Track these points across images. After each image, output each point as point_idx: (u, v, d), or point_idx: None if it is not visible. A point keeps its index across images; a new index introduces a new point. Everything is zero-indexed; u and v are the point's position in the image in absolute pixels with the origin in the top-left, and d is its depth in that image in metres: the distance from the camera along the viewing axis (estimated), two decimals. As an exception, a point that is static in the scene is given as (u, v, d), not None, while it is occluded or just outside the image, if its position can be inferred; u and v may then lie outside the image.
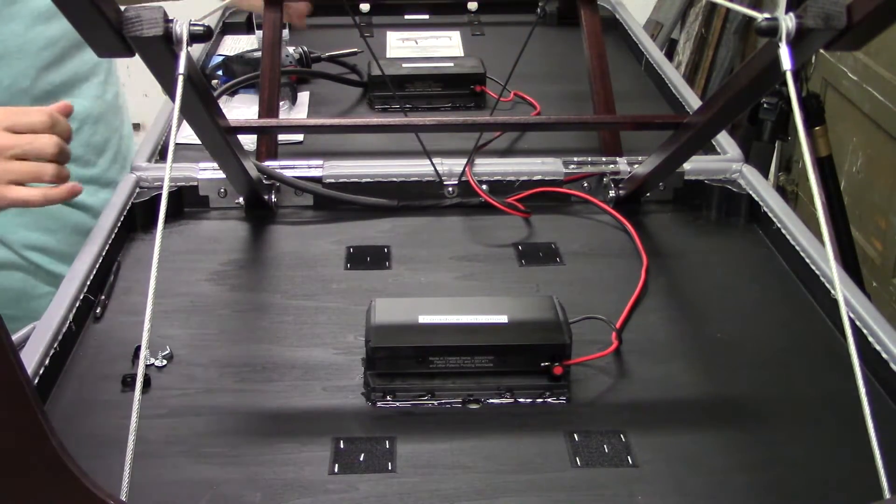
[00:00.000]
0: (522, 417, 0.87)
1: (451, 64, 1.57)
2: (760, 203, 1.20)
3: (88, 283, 1.01)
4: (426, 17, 1.92)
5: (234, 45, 1.77)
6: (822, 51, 0.80)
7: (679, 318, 1.04)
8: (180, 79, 0.75)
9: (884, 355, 0.91)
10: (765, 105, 2.07)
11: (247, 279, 1.10)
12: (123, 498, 0.60)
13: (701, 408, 0.89)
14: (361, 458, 0.81)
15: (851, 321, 0.86)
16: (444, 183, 1.23)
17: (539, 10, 1.86)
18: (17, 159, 1.04)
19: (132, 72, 3.16)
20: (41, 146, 1.05)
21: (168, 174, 0.75)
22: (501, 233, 1.19)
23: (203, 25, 0.77)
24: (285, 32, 1.65)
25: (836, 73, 2.48)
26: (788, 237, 1.12)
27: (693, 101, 1.44)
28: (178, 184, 1.21)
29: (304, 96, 1.55)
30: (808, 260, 1.07)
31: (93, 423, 0.85)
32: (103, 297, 1.02)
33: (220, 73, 1.58)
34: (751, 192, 1.22)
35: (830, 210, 2.07)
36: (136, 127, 3.28)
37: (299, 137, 1.41)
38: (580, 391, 0.90)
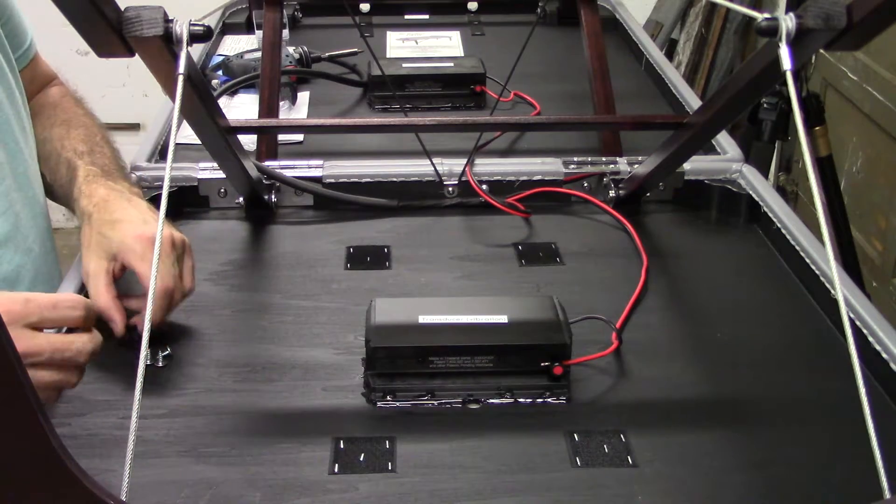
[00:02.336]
0: (522, 417, 0.87)
1: (451, 64, 1.57)
2: (760, 203, 1.20)
3: (88, 283, 1.01)
4: (426, 17, 1.92)
5: (234, 45, 1.77)
6: (822, 51, 0.80)
7: (679, 318, 1.04)
8: (180, 79, 0.75)
9: (884, 355, 0.91)
10: (765, 105, 2.07)
11: (247, 279, 1.10)
12: (123, 498, 0.60)
13: (701, 408, 0.89)
14: (361, 458, 0.81)
15: (851, 321, 0.86)
16: (444, 183, 1.23)
17: (539, 10, 1.86)
18: (41, 365, 0.78)
19: (132, 72, 3.16)
20: (76, 352, 0.80)
21: (168, 174, 0.75)
22: (501, 233, 1.18)
23: (203, 25, 0.77)
24: (285, 32, 1.65)
25: (836, 73, 2.48)
26: (788, 237, 1.12)
27: (693, 101, 1.44)
28: (178, 184, 1.21)
29: (304, 96, 1.55)
30: (808, 260, 1.07)
31: (93, 423, 0.85)
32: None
33: (220, 73, 1.58)
34: (751, 192, 1.22)
35: (830, 210, 2.07)
36: (136, 127, 3.28)
37: (299, 137, 1.41)
38: (580, 391, 0.90)
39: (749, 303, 1.06)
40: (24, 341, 0.76)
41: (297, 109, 1.51)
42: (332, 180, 1.24)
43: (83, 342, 0.80)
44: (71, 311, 0.80)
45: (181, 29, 0.76)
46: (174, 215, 1.20)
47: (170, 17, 0.76)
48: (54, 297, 0.81)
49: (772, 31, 0.75)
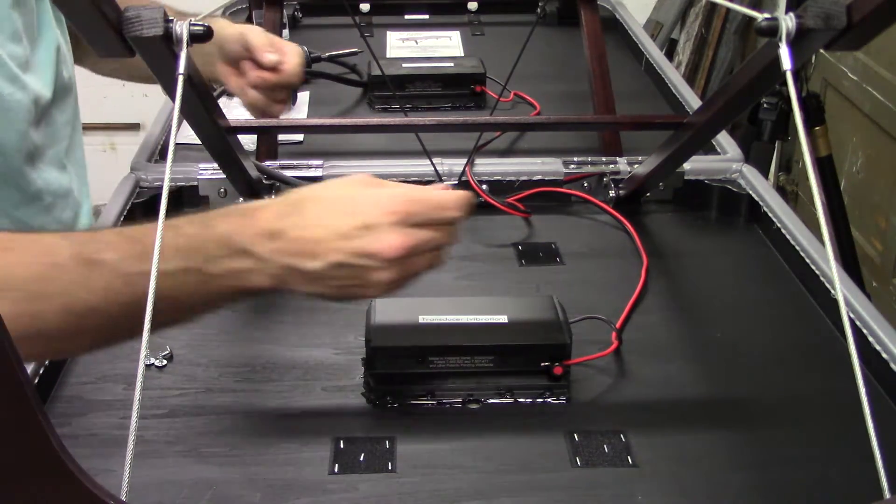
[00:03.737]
0: (522, 417, 0.87)
1: (451, 64, 1.57)
2: (760, 203, 1.20)
3: (88, 283, 1.00)
4: (426, 17, 1.92)
5: (234, 45, 1.76)
6: (822, 51, 0.80)
7: (679, 318, 1.04)
8: (180, 79, 0.75)
9: (884, 355, 0.91)
10: (765, 105, 2.07)
11: (247, 279, 1.09)
12: (123, 498, 0.60)
13: (701, 408, 0.89)
14: (361, 458, 0.81)
15: (851, 321, 0.86)
16: (444, 183, 1.23)
17: (539, 10, 1.86)
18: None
19: (132, 72, 3.14)
20: (453, 240, 0.80)
21: (168, 174, 0.75)
22: (501, 233, 1.18)
23: (203, 25, 0.77)
24: (285, 32, 1.64)
25: (836, 73, 2.48)
26: (788, 237, 1.12)
27: (693, 101, 1.44)
28: (178, 184, 1.21)
29: (304, 96, 1.55)
30: (808, 260, 1.07)
31: (93, 423, 0.85)
32: (103, 297, 1.02)
33: (220, 73, 1.57)
34: (751, 192, 1.22)
35: (830, 210, 2.07)
36: (136, 127, 3.28)
37: (299, 137, 1.41)
38: (580, 391, 0.90)
39: (749, 303, 1.06)
40: (413, 237, 0.75)
41: (297, 109, 1.51)
42: (332, 180, 1.23)
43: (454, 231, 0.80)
44: (453, 212, 0.78)
45: (181, 29, 0.76)
46: (174, 216, 1.19)
47: (170, 17, 0.76)
48: (442, 198, 0.78)
49: (772, 31, 0.75)
